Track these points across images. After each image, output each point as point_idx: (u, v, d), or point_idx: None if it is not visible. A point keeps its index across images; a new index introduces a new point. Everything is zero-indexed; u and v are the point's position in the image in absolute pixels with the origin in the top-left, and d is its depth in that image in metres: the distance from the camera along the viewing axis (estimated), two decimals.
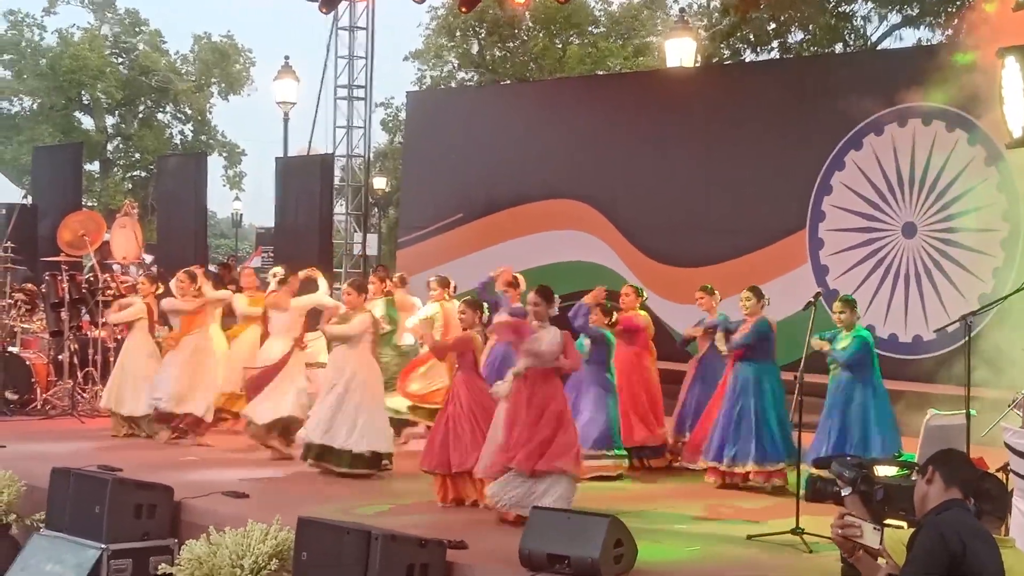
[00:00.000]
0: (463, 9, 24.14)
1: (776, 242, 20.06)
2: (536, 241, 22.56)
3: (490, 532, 10.32)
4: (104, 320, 17.38)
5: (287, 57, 33.05)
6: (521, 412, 10.68)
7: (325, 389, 13.11)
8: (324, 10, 25.57)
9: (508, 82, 42.80)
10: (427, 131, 26.31)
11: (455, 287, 16.34)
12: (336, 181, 26.35)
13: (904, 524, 6.82)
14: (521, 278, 14.92)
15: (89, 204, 44.88)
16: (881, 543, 5.78)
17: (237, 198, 60.19)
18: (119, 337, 17.72)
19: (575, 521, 9.22)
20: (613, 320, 13.68)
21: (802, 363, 11.54)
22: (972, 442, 10.40)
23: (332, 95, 27.19)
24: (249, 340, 15.79)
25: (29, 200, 22.20)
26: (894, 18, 32.87)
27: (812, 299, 11.91)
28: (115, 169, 57.88)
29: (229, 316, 17.15)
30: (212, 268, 22.64)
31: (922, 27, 31.99)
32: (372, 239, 32.04)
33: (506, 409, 10.87)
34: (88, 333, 18.09)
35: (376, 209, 43.23)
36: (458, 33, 45.81)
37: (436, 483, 11.76)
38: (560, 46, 45.32)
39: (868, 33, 33.65)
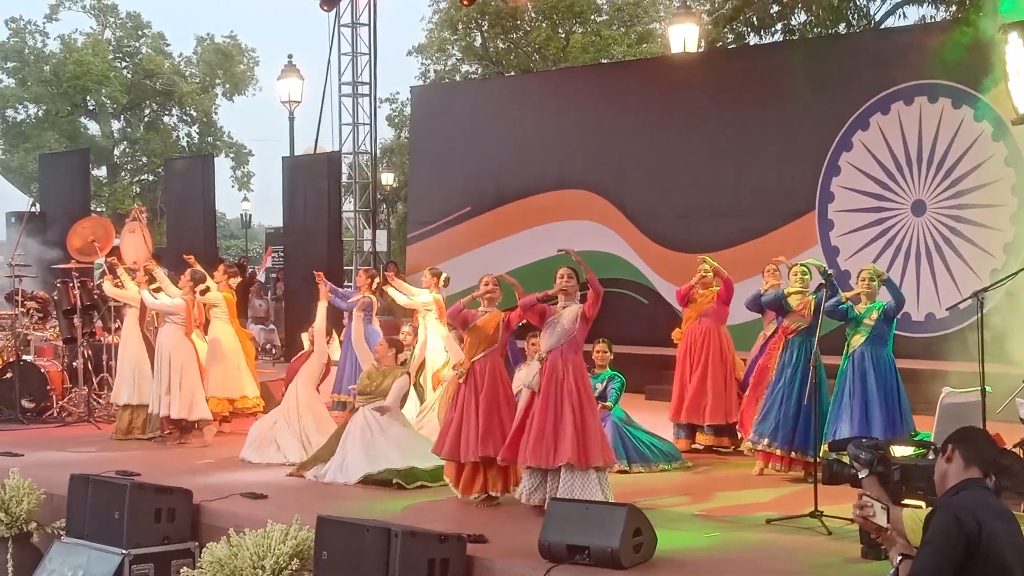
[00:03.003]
0: (464, 2, 24.11)
1: (786, 224, 20.07)
2: (545, 232, 22.56)
3: (510, 525, 10.31)
4: (117, 325, 17.41)
5: (290, 56, 33.14)
6: (539, 402, 10.70)
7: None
8: (325, 8, 25.59)
9: (512, 74, 42.80)
10: (433, 126, 26.33)
11: (447, 279, 16.63)
12: (344, 178, 26.36)
13: (923, 504, 6.82)
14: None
15: (98, 210, 44.97)
16: (888, 522, 5.79)
17: (246, 198, 60.34)
18: None
19: (593, 511, 9.22)
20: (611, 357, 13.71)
21: (816, 343, 11.55)
22: (988, 418, 10.40)
23: (337, 92, 27.22)
24: None
25: (37, 208, 22.17)
26: None
27: (823, 281, 11.90)
28: (123, 173, 58.00)
29: (241, 316, 17.27)
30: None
31: (925, 4, 31.91)
32: (381, 235, 31.99)
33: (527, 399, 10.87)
34: (101, 339, 18.10)
35: (384, 205, 43.23)
36: (460, 26, 45.81)
37: (451, 471, 11.69)
38: (563, 36, 45.28)
39: (871, 12, 33.59)
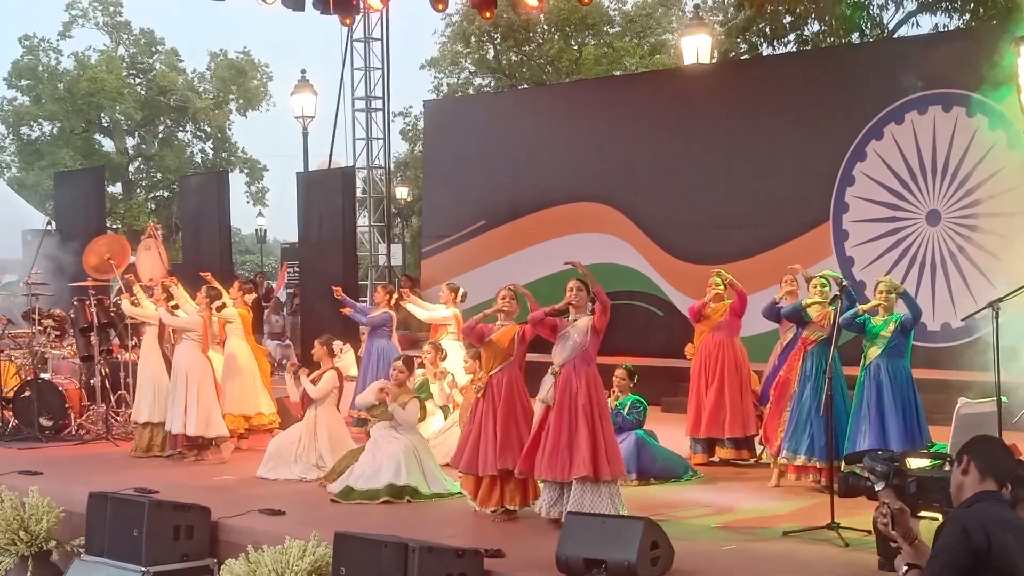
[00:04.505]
0: (487, 15, 24.04)
1: (801, 235, 20.06)
2: (560, 245, 22.51)
3: (527, 540, 10.33)
4: (134, 343, 17.46)
5: (303, 71, 33.21)
6: (553, 416, 10.74)
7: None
8: (348, 22, 25.48)
9: (525, 86, 42.83)
10: (446, 139, 26.36)
11: (464, 294, 16.66)
12: (358, 193, 26.41)
13: (939, 516, 6.82)
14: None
15: (113, 227, 45.06)
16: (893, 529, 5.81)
17: (261, 214, 60.35)
18: None
19: (610, 525, 9.24)
20: (636, 380, 13.67)
21: (832, 353, 11.55)
22: (1004, 428, 10.39)
23: (350, 107, 27.29)
24: None
25: (53, 226, 22.22)
26: (910, 5, 32.76)
27: (839, 291, 11.90)
28: (138, 190, 58.09)
29: (256, 332, 17.30)
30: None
31: (939, 13, 31.83)
32: (396, 249, 32.05)
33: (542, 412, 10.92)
34: (118, 356, 18.14)
35: (399, 219, 43.26)
36: (473, 39, 45.81)
37: (469, 484, 11.73)
38: (576, 47, 45.30)
39: (884, 22, 33.54)
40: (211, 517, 11.04)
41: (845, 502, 9.09)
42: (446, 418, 15.02)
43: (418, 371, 14.78)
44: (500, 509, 11.30)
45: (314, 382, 14.22)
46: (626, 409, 13.32)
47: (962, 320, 15.29)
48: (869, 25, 33.06)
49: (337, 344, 15.99)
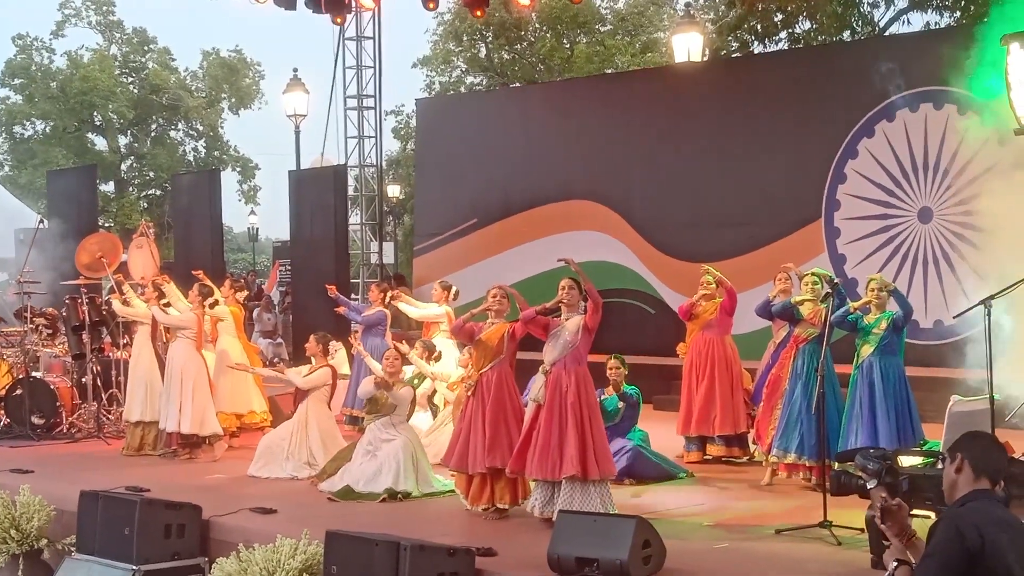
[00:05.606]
0: (478, 14, 23.99)
1: (792, 233, 20.04)
2: (552, 243, 22.48)
3: (519, 538, 10.31)
4: (126, 341, 17.44)
5: (296, 69, 33.21)
6: (543, 415, 10.72)
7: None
8: (339, 20, 25.41)
9: (517, 85, 42.82)
10: (438, 138, 26.34)
11: (457, 292, 16.62)
12: (350, 191, 26.39)
13: (932, 514, 6.81)
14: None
15: (105, 225, 45.03)
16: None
17: (253, 212, 60.43)
18: None
19: (602, 524, 9.23)
20: (627, 370, 13.62)
21: (824, 351, 11.54)
22: (997, 426, 10.38)
23: (342, 105, 27.25)
24: None
25: (45, 224, 22.19)
26: (901, 2, 32.82)
27: (830, 289, 11.89)
28: (130, 189, 58.13)
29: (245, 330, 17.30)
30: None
31: (929, 10, 31.89)
32: (388, 248, 32.01)
33: (531, 411, 10.91)
34: (110, 355, 18.12)
35: (391, 217, 43.22)
36: (465, 38, 45.82)
37: (462, 482, 11.73)
38: (568, 46, 45.32)
39: (875, 19, 33.57)
40: (202, 515, 11.02)
41: (838, 500, 9.07)
42: (435, 417, 15.01)
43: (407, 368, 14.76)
44: (491, 507, 11.30)
45: None
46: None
47: (954, 317, 15.28)
48: (860, 23, 33.10)
49: (333, 344, 15.97)
